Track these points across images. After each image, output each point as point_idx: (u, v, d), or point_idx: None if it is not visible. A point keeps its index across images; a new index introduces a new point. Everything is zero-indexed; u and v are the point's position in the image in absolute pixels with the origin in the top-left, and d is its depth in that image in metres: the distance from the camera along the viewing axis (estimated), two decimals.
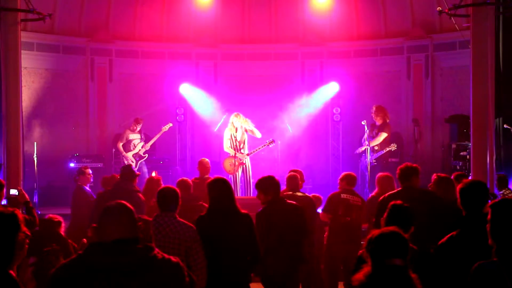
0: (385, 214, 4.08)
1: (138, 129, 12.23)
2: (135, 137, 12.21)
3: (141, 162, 12.16)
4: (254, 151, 10.86)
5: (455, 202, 5.87)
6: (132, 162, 11.97)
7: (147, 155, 12.27)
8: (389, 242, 2.99)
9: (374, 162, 10.91)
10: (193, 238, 4.72)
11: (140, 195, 6.84)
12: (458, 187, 4.19)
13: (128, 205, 2.99)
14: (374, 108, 11.35)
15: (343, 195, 7.06)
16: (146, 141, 12.25)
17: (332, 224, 7.07)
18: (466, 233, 3.91)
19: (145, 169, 12.01)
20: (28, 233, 3.09)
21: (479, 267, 3.14)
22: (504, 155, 8.68)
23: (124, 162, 11.95)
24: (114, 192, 6.99)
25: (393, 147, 11.03)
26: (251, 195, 10.51)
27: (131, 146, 12.16)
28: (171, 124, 12.32)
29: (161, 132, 12.14)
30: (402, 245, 3.00)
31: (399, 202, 4.28)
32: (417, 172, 5.80)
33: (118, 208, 2.95)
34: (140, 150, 12.15)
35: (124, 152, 12.15)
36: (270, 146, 11.03)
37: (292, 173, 7.09)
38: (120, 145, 12.22)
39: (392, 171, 7.67)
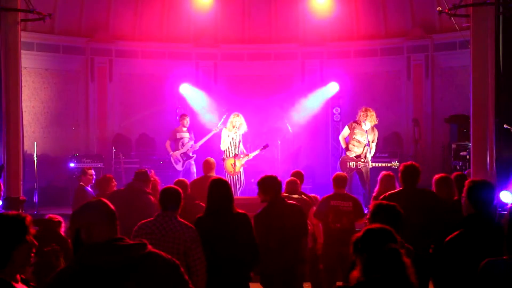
0: (368, 215, 3.99)
1: (187, 125, 11.87)
2: (184, 136, 11.85)
3: (188, 162, 11.81)
4: (249, 157, 10.83)
5: (455, 203, 5.90)
6: (179, 161, 11.73)
7: (195, 155, 11.87)
8: (379, 234, 3.02)
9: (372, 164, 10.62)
10: (192, 238, 4.71)
11: (151, 197, 6.83)
12: (467, 186, 4.18)
13: (108, 202, 2.87)
14: (371, 111, 10.57)
15: (332, 202, 6.93)
16: (195, 141, 11.87)
17: (324, 229, 7.06)
18: (475, 231, 3.93)
19: (194, 169, 11.71)
20: (35, 242, 2.92)
21: (488, 263, 3.16)
22: (504, 155, 8.65)
23: (171, 161, 11.77)
24: (125, 191, 7.10)
25: (394, 165, 10.25)
26: (239, 195, 10.45)
27: (179, 144, 11.83)
28: (220, 126, 11.36)
29: (212, 133, 11.50)
30: (392, 236, 3.03)
31: (384, 201, 4.19)
32: (418, 172, 5.79)
33: (104, 206, 2.82)
34: (188, 150, 11.80)
35: (171, 151, 11.82)
36: (263, 152, 11.05)
37: (292, 178, 7.19)
38: (168, 143, 11.90)
39: (392, 171, 7.68)
